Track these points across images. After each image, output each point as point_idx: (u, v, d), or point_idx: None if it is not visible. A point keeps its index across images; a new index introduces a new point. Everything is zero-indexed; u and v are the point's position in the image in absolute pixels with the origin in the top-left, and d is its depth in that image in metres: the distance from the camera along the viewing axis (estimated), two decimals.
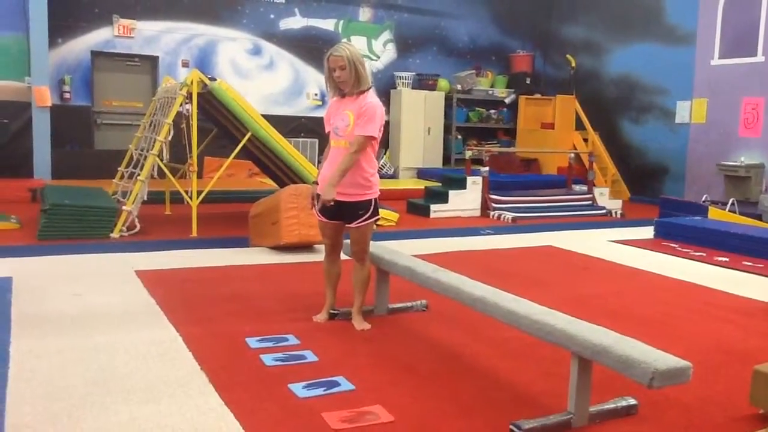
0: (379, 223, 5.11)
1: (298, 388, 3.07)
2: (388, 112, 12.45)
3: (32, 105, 9.36)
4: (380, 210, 4.11)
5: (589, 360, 2.70)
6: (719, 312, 4.68)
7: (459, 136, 12.79)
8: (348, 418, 2.78)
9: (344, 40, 3.86)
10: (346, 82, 3.81)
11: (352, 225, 3.89)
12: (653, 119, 11.46)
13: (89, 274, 5.08)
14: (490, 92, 13.01)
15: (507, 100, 13.03)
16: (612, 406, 2.93)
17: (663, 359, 2.47)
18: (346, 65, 3.77)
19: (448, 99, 12.56)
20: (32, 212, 7.35)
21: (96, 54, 10.39)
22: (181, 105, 6.86)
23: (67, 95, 10.12)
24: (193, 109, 6.83)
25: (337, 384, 3.14)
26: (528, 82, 13.14)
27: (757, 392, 2.93)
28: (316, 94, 11.93)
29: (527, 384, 3.26)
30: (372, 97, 3.86)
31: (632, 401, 2.97)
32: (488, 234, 7.64)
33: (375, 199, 3.92)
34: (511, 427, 2.69)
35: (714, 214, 8.25)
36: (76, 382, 3.07)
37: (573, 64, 12.29)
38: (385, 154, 12.21)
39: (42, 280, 4.84)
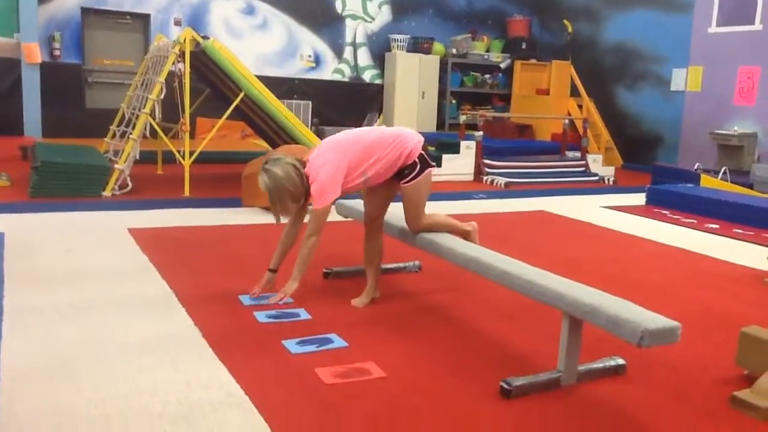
0: None
1: (292, 344, 3.09)
2: (381, 75, 12.37)
3: (22, 62, 9.23)
4: None
5: (580, 320, 2.73)
6: (709, 278, 4.72)
7: (453, 101, 12.72)
8: (341, 374, 2.81)
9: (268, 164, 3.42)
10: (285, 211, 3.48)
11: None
12: (648, 87, 11.43)
13: (82, 231, 5.07)
14: (486, 57, 12.91)
15: (502, 65, 12.94)
16: (601, 365, 2.97)
17: (653, 319, 2.49)
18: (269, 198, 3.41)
19: (443, 63, 12.45)
20: (23, 170, 7.30)
21: (86, 11, 10.20)
22: (173, 64, 6.78)
23: (57, 53, 9.97)
24: (186, 68, 6.76)
25: (330, 341, 3.17)
26: (524, 47, 13.04)
27: (743, 354, 2.97)
28: (309, 56, 11.80)
29: (518, 344, 3.30)
30: (314, 168, 3.41)
31: (621, 361, 3.01)
32: (481, 198, 7.65)
33: (417, 157, 3.57)
34: (501, 383, 2.72)
35: (706, 181, 8.28)
36: (70, 335, 3.09)
37: (570, 30, 12.20)
38: (378, 117, 12.15)
39: (34, 236, 4.83)
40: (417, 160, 3.58)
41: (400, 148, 3.55)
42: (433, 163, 3.71)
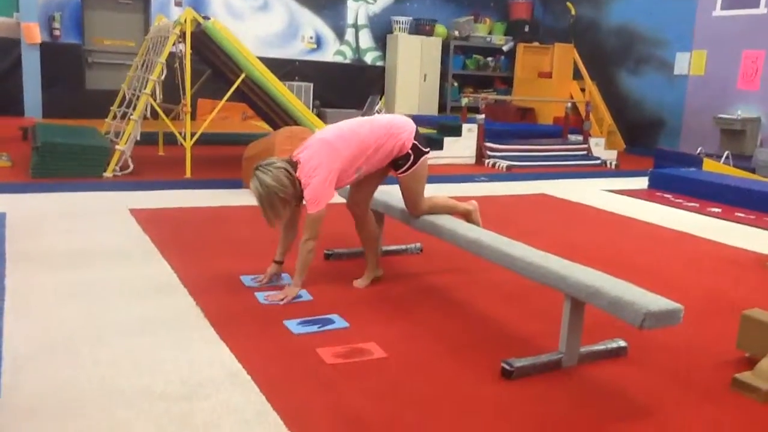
0: None
1: (293, 325, 3.10)
2: (383, 57, 12.30)
3: (21, 42, 9.18)
4: None
5: (582, 301, 2.73)
6: (710, 262, 4.72)
7: (455, 84, 12.66)
8: (342, 354, 2.82)
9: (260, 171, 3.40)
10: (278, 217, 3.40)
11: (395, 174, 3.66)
12: (651, 70, 11.36)
13: (83, 211, 5.06)
14: (488, 39, 12.83)
15: (505, 48, 12.87)
16: (602, 347, 2.97)
17: (655, 301, 2.49)
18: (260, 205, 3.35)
19: (445, 45, 12.39)
20: (24, 151, 7.28)
21: None
22: (174, 45, 6.74)
23: (57, 33, 9.92)
24: (186, 48, 6.72)
25: (331, 321, 3.17)
26: (527, 29, 12.95)
27: (744, 337, 2.98)
28: (311, 37, 11.74)
29: (520, 326, 3.30)
30: (306, 172, 3.34)
31: (622, 343, 3.01)
32: (482, 182, 7.64)
33: (410, 148, 3.55)
34: (503, 364, 2.73)
35: (708, 166, 8.26)
36: (71, 315, 3.09)
37: (573, 12, 12.12)
38: (380, 100, 12.10)
39: (36, 216, 4.83)
40: (410, 151, 3.55)
41: (392, 143, 3.51)
42: (428, 149, 3.66)
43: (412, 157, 3.56)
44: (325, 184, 3.35)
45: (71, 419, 2.22)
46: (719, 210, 6.52)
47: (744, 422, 2.48)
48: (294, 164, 3.39)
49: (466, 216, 3.84)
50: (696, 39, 10.55)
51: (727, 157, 8.81)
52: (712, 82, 10.32)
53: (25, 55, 9.23)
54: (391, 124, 3.57)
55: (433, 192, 3.82)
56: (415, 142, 3.57)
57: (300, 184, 3.37)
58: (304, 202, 3.44)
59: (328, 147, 3.40)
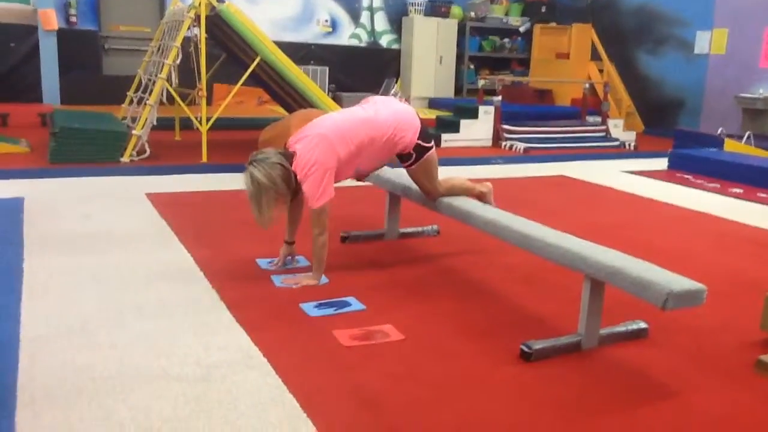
0: None
1: (309, 308, 3.08)
2: (399, 39, 12.21)
3: (39, 28, 9.21)
4: None
5: (602, 282, 2.68)
6: (733, 242, 4.65)
7: (471, 66, 12.55)
8: (359, 336, 2.80)
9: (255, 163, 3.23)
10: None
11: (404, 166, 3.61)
12: (671, 50, 11.18)
13: (100, 196, 5.08)
14: (505, 20, 12.69)
15: (521, 29, 12.72)
16: (622, 329, 2.93)
17: (677, 281, 2.44)
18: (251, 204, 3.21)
19: (461, 27, 12.27)
20: (42, 137, 7.31)
21: None
22: (188, 29, 6.72)
23: (73, 19, 9.94)
24: (201, 32, 6.69)
25: (348, 304, 3.15)
26: (543, 10, 12.78)
27: None
28: (326, 21, 11.67)
29: (538, 308, 3.27)
30: (302, 167, 3.22)
31: (643, 325, 2.97)
32: (499, 164, 7.57)
33: (413, 146, 3.49)
34: (522, 347, 2.69)
35: (730, 146, 8.12)
36: (88, 298, 3.10)
37: None
38: (396, 83, 12.02)
39: (53, 201, 4.85)
40: (413, 151, 3.49)
41: (392, 143, 3.43)
42: (430, 145, 3.55)
43: (414, 156, 3.52)
44: (323, 182, 3.24)
45: (88, 401, 2.22)
46: (741, 191, 6.42)
47: None
48: (290, 155, 3.27)
49: (480, 197, 3.81)
50: (717, 17, 10.35)
51: (748, 137, 8.65)
52: (733, 61, 10.13)
53: (42, 41, 9.26)
54: (396, 123, 3.42)
55: (451, 175, 3.78)
56: (418, 142, 3.48)
57: (296, 176, 3.25)
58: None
59: (325, 143, 3.25)
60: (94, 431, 2.06)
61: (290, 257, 3.68)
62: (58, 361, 2.48)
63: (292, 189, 3.27)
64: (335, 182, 3.38)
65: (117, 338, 2.69)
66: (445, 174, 3.74)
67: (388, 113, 3.45)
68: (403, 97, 11.93)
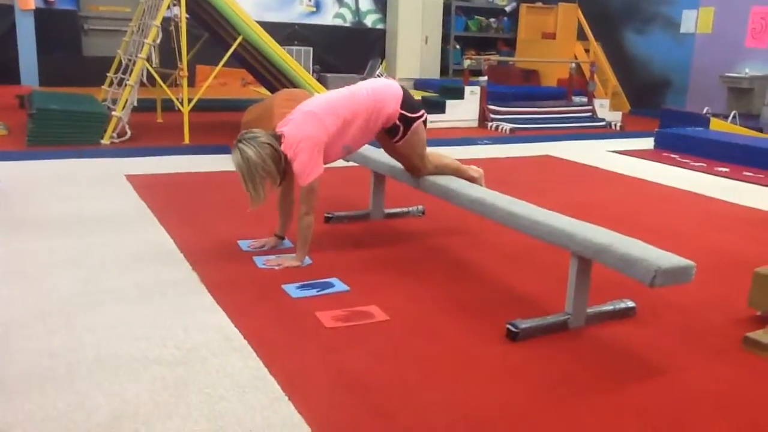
0: None
1: (292, 289, 3.02)
2: (384, 19, 12.08)
3: (15, 8, 9.00)
4: None
5: (590, 259, 2.64)
6: (720, 220, 4.63)
7: (457, 46, 12.44)
8: (342, 317, 2.74)
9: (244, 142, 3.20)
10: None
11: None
12: (657, 29, 11.13)
13: (79, 178, 4.98)
14: (491, 0, 12.57)
15: (507, 9, 12.62)
16: (610, 307, 2.89)
17: (665, 257, 2.40)
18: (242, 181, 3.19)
19: (446, 7, 12.14)
20: (20, 119, 7.16)
21: None
22: (168, 8, 6.58)
23: None
24: (181, 12, 6.55)
25: (331, 285, 3.09)
26: None
27: (756, 294, 2.90)
28: (310, 1, 11.51)
29: (525, 286, 3.22)
30: (291, 145, 3.21)
31: (630, 303, 2.93)
32: (485, 144, 7.52)
33: (397, 119, 3.44)
34: (508, 326, 2.65)
35: (715, 125, 8.11)
36: (66, 281, 3.02)
37: None
38: (381, 64, 11.90)
39: (31, 184, 4.74)
40: (398, 122, 3.42)
41: (375, 117, 3.38)
42: (418, 114, 3.49)
43: (401, 128, 3.45)
44: (313, 156, 3.22)
45: (64, 385, 2.15)
46: (727, 169, 6.41)
47: (756, 381, 2.41)
48: (278, 138, 3.24)
49: (471, 182, 3.74)
50: None
51: (734, 117, 8.65)
52: (719, 40, 10.10)
53: (19, 21, 9.04)
54: (373, 96, 3.38)
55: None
56: (402, 112, 3.43)
57: (286, 157, 3.23)
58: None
59: (312, 118, 3.26)
60: (68, 417, 1.99)
61: (273, 247, 3.61)
62: (32, 345, 2.41)
63: (281, 170, 3.24)
64: (325, 163, 3.33)
65: (95, 322, 2.62)
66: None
67: (368, 86, 3.46)
68: (389, 78, 11.82)
